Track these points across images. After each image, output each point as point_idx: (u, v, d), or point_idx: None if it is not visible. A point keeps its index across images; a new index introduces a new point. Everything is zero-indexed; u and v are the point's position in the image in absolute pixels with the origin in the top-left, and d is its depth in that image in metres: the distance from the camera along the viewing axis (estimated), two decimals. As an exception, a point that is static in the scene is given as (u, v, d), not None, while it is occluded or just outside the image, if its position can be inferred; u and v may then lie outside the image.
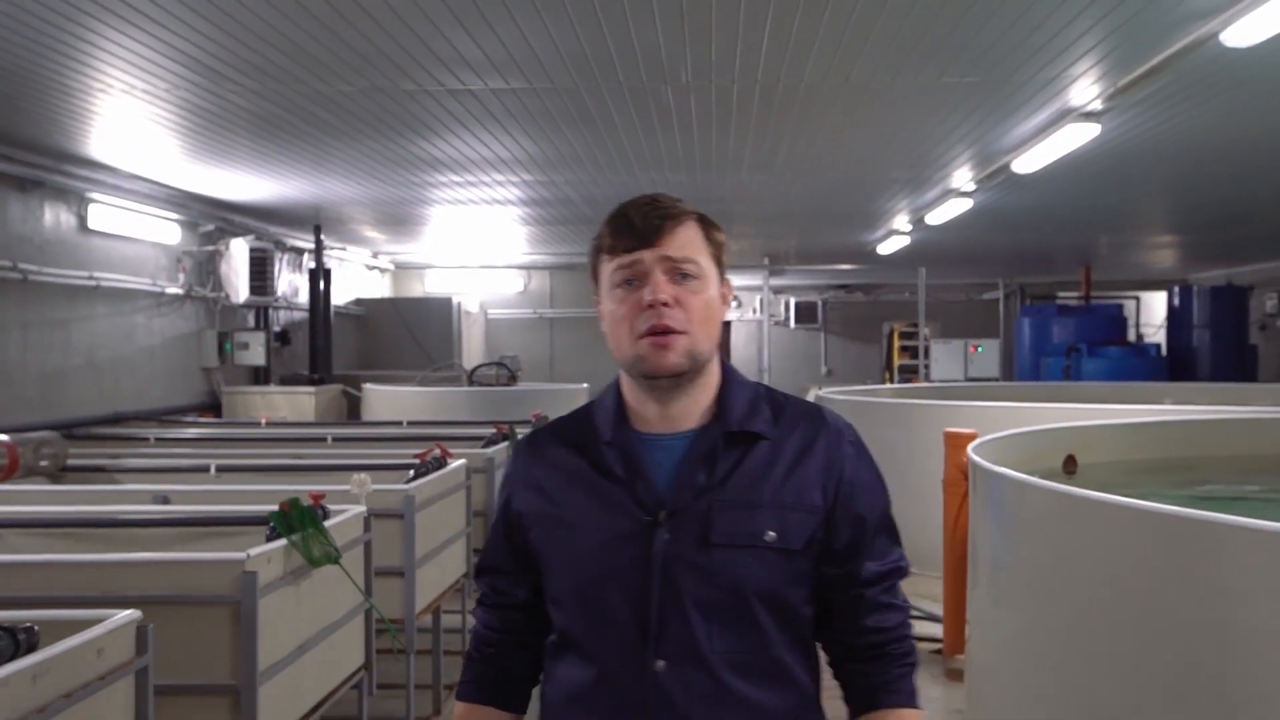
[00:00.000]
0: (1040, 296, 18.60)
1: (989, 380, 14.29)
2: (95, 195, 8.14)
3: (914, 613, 6.42)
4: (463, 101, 5.94)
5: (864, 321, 19.67)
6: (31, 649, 2.07)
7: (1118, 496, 3.24)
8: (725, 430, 1.60)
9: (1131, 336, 17.12)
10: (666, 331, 1.54)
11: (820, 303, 19.51)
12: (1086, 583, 3.22)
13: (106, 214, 8.34)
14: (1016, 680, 3.76)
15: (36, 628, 2.09)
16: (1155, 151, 7.25)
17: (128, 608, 2.39)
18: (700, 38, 4.78)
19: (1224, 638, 2.58)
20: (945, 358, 14.94)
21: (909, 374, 17.37)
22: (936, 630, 6.12)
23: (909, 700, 1.63)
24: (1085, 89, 5.71)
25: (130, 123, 6.61)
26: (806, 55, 5.05)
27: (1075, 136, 6.34)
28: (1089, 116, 6.03)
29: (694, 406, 1.61)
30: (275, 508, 3.31)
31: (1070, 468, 5.69)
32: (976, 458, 4.28)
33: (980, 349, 15.00)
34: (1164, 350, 15.69)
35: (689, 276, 1.56)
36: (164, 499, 4.37)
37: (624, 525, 1.56)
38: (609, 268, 1.59)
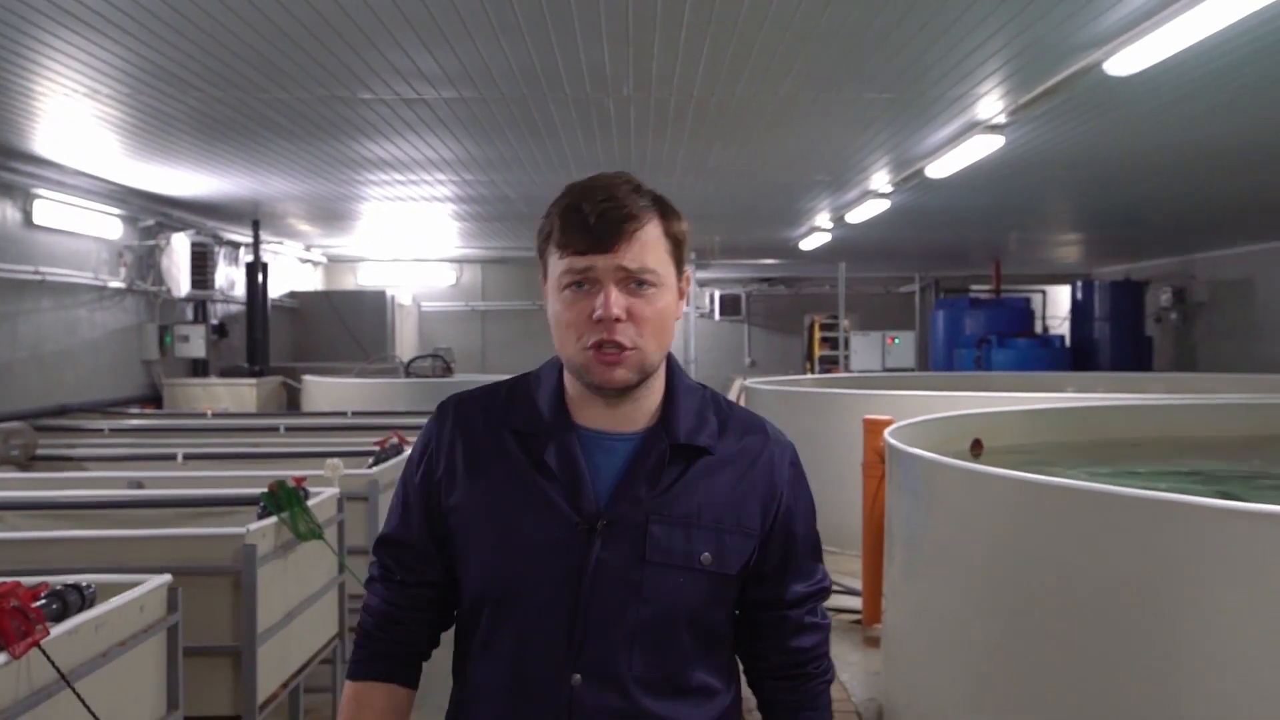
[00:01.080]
0: (954, 290, 19.38)
1: (905, 370, 14.95)
2: (40, 191, 8.26)
3: (835, 587, 6.94)
4: (415, 109, 6.27)
5: (786, 314, 20.27)
6: (91, 604, 2.41)
7: (1013, 471, 3.73)
8: (672, 441, 1.53)
9: (1039, 328, 17.98)
10: (616, 347, 1.45)
11: (744, 295, 20.08)
12: (987, 550, 3.71)
13: (51, 209, 8.46)
14: (926, 641, 4.24)
15: (93, 587, 2.43)
16: (1053, 160, 7.87)
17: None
18: (643, 56, 5.20)
19: (1103, 592, 3.09)
20: (864, 349, 15.57)
21: (829, 364, 18.02)
22: (856, 603, 6.62)
23: (826, 716, 1.65)
24: (990, 105, 6.26)
25: (75, 121, 6.75)
26: (739, 74, 5.50)
27: (982, 146, 6.91)
28: (994, 129, 6.59)
29: (639, 410, 1.54)
30: (264, 489, 3.66)
31: (977, 450, 6.21)
32: (892, 441, 4.76)
33: (897, 340, 15.67)
34: (1068, 341, 16.54)
35: (645, 284, 1.46)
36: (138, 484, 4.65)
37: (558, 530, 1.49)
38: (558, 266, 1.47)
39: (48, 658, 2.06)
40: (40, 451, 5.43)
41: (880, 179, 9.01)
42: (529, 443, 1.52)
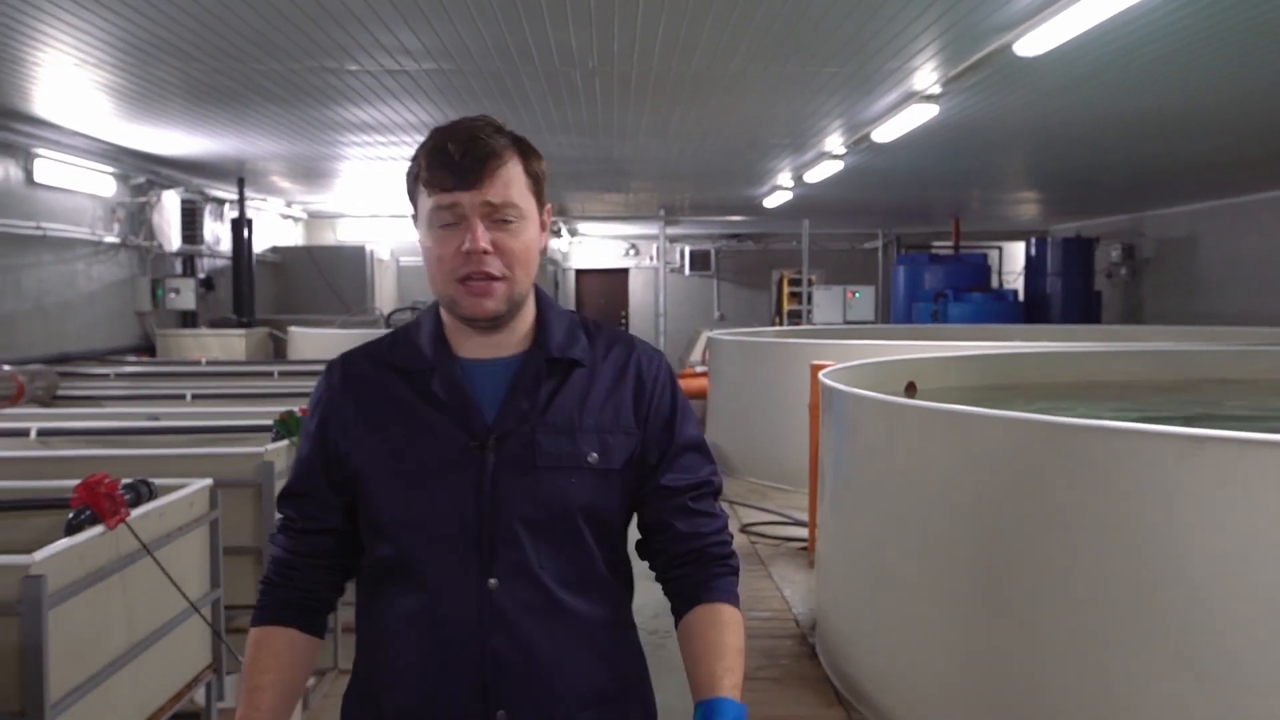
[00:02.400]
0: (916, 246, 20.03)
1: (865, 323, 15.59)
2: (40, 150, 8.74)
3: (785, 519, 7.62)
4: (398, 79, 6.81)
5: (754, 269, 20.88)
6: (155, 497, 3.02)
7: (926, 401, 4.38)
8: (547, 357, 1.63)
9: (995, 284, 18.68)
10: (485, 278, 1.55)
11: (713, 251, 20.66)
12: (902, 473, 4.34)
13: (50, 168, 8.95)
14: (845, 558, 4.89)
15: (155, 483, 3.04)
16: (989, 127, 8.51)
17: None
18: (605, 35, 5.77)
19: (998, 514, 3.75)
20: (826, 303, 16.19)
21: (797, 318, 18.68)
22: (804, 533, 7.32)
23: (726, 597, 1.67)
24: (925, 77, 6.86)
25: (73, 85, 7.19)
26: (693, 50, 6.08)
27: (920, 115, 7.53)
28: (929, 99, 7.20)
29: (513, 334, 1.64)
30: (276, 418, 4.26)
31: (910, 392, 6.85)
32: (823, 379, 5.40)
33: (858, 295, 16.30)
34: (1021, 295, 17.25)
35: (509, 219, 1.55)
36: (155, 419, 5.24)
37: (452, 451, 1.57)
38: (426, 204, 1.56)
39: (132, 531, 2.67)
40: (60, 393, 5.99)
41: (834, 141, 9.60)
42: (415, 380, 1.61)
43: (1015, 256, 19.50)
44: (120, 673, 2.72)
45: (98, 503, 2.58)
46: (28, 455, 4.08)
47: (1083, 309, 16.47)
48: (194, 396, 6.00)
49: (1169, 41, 5.91)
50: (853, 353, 8.13)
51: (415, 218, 1.61)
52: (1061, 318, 16.25)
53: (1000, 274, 19.61)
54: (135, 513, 2.78)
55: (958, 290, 16.30)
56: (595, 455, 1.61)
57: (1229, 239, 14.69)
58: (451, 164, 1.52)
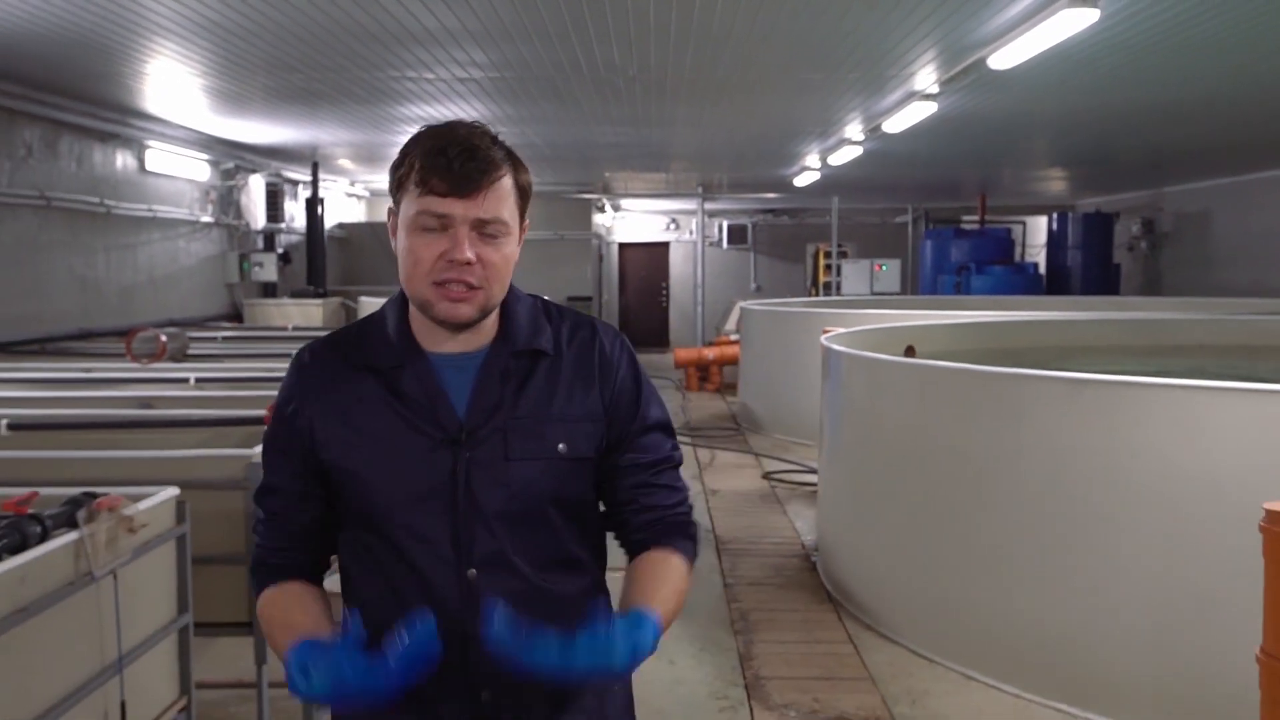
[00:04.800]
0: (944, 220, 20.78)
1: (890, 294, 16.48)
2: (150, 142, 9.98)
3: (801, 468, 8.76)
4: (466, 85, 7.94)
5: (789, 242, 21.75)
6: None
7: (903, 358, 5.44)
8: (512, 350, 1.65)
9: (1019, 257, 19.45)
10: (464, 286, 1.56)
11: (750, 225, 21.58)
12: (886, 422, 5.37)
13: (158, 157, 10.20)
14: (839, 493, 5.93)
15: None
16: (980, 119, 9.52)
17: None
18: (642, 50, 6.84)
19: (936, 446, 4.83)
20: (854, 275, 17.06)
21: (830, 290, 19.60)
22: (815, 479, 8.38)
23: (680, 549, 1.70)
24: (923, 79, 7.84)
25: (179, 86, 8.32)
26: (718, 62, 7.13)
27: (921, 110, 8.53)
28: (929, 97, 8.19)
29: (481, 330, 1.64)
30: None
31: (910, 355, 7.86)
32: (824, 341, 6.45)
33: (884, 268, 17.15)
34: (1042, 268, 18.04)
35: (494, 234, 1.57)
36: (148, 404, 6.20)
37: (425, 447, 1.59)
38: (415, 202, 1.55)
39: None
40: (188, 351, 7.19)
41: (853, 130, 10.60)
42: (385, 375, 1.62)
43: (1039, 231, 20.22)
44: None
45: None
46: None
47: (1102, 281, 17.16)
48: (299, 355, 7.19)
49: (1122, 54, 6.88)
50: (866, 321, 9.14)
51: (390, 211, 1.63)
52: (1081, 289, 16.92)
53: (1024, 247, 20.36)
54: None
55: (980, 263, 17.10)
56: (564, 445, 1.64)
57: (1241, 214, 15.39)
58: (448, 172, 1.53)
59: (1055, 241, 17.95)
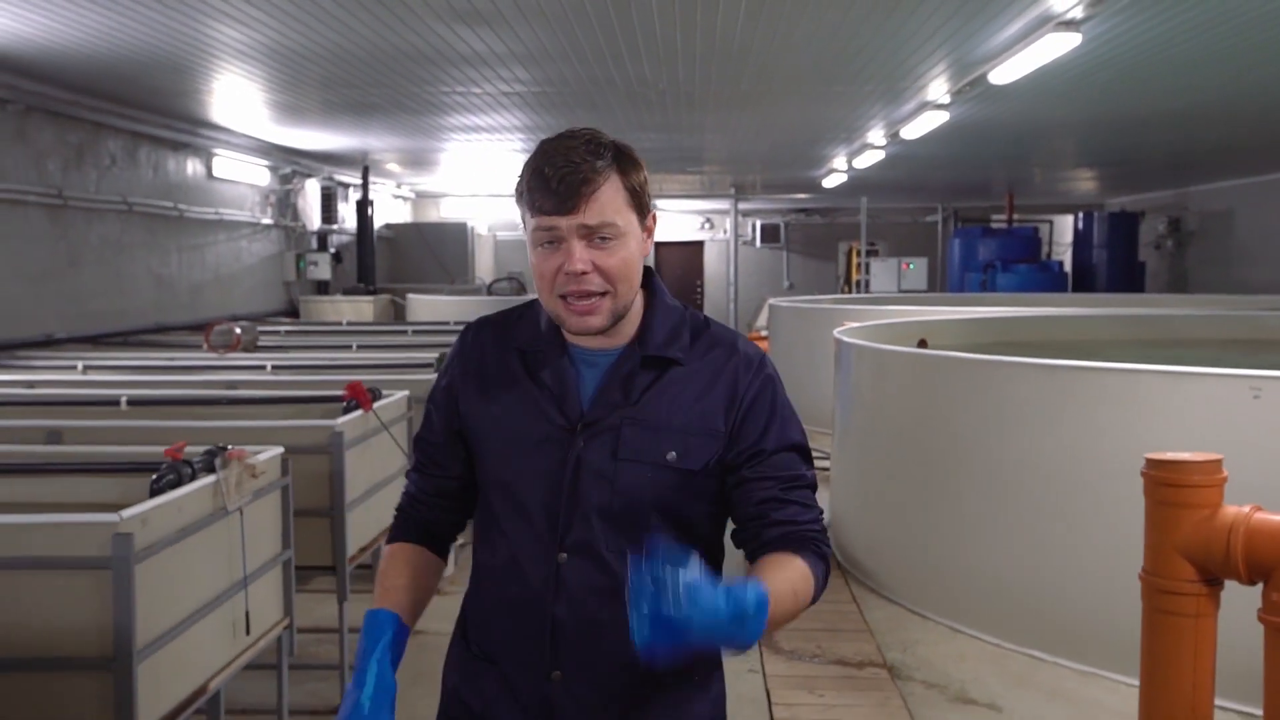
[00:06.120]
0: (974, 219, 21.18)
1: (916, 291, 16.95)
2: (217, 150, 10.76)
3: (823, 454, 9.29)
4: (509, 97, 8.62)
5: (821, 241, 22.21)
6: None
7: (898, 346, 6.03)
8: (644, 354, 1.68)
9: (1045, 255, 19.82)
10: (586, 296, 1.60)
11: (783, 224, 22.08)
12: (890, 408, 5.97)
13: (224, 164, 10.99)
14: (848, 471, 6.50)
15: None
16: (996, 126, 10.08)
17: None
18: (670, 68, 7.48)
19: (953, 438, 5.40)
20: (882, 273, 17.55)
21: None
22: (828, 464, 8.91)
23: (808, 559, 1.63)
24: (937, 88, 8.40)
25: (242, 99, 9.03)
26: (740, 77, 7.73)
27: (935, 119, 9.09)
28: (940, 107, 8.76)
29: (621, 330, 1.69)
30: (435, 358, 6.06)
31: (922, 348, 8.39)
32: (836, 334, 7.02)
33: (912, 266, 17.63)
34: (1067, 266, 18.41)
35: (606, 239, 1.59)
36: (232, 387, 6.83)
37: (546, 430, 1.66)
38: (530, 221, 1.61)
39: (379, 418, 4.42)
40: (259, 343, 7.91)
41: (875, 135, 11.16)
42: (529, 359, 1.71)
43: (1066, 229, 20.56)
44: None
45: (360, 393, 4.34)
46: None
47: (1127, 279, 17.52)
48: (358, 347, 7.88)
49: (1112, 70, 7.41)
50: (885, 316, 9.66)
51: (523, 228, 1.68)
52: (1107, 287, 17.29)
53: (1051, 246, 20.72)
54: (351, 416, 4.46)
55: (1006, 261, 17.52)
56: (674, 454, 1.65)
57: (1265, 213, 15.69)
58: (549, 189, 1.57)
59: (1081, 240, 18.32)
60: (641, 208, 1.66)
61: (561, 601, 1.64)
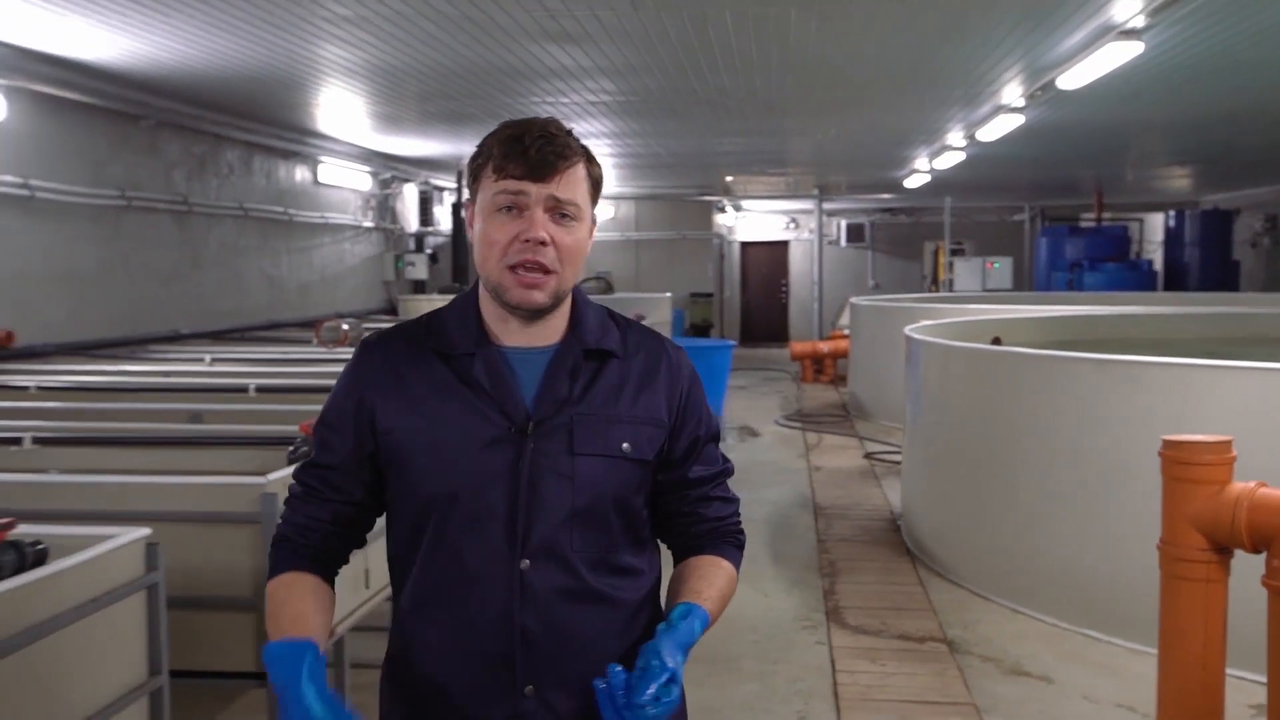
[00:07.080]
0: (1061, 218, 20.98)
1: (1001, 290, 16.92)
2: (323, 158, 11.46)
3: (898, 449, 9.65)
4: (596, 106, 9.08)
5: (907, 240, 22.26)
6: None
7: (965, 343, 6.31)
8: (583, 347, 1.66)
9: (1135, 254, 19.57)
10: (538, 269, 1.57)
11: (867, 224, 22.19)
12: (937, 393, 6.28)
13: (329, 170, 11.69)
14: (917, 464, 6.79)
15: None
16: (1076, 127, 10.20)
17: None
18: (748, 79, 7.85)
19: (1013, 429, 5.68)
20: (966, 273, 17.53)
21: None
22: (899, 456, 9.19)
23: (730, 556, 1.76)
24: (1011, 92, 8.61)
25: (347, 109, 9.63)
26: (812, 89, 8.07)
27: (1010, 121, 9.29)
28: (1014, 110, 8.97)
29: (551, 326, 1.66)
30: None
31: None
32: (905, 330, 7.31)
33: (996, 265, 17.57)
34: (1158, 265, 18.19)
35: (568, 217, 1.59)
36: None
37: (493, 434, 1.60)
38: (492, 187, 1.58)
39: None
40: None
41: (954, 137, 11.36)
42: (454, 363, 1.63)
43: (1156, 228, 20.28)
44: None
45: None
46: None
47: (1220, 278, 17.26)
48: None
49: (1183, 74, 7.55)
50: (964, 315, 9.88)
51: (468, 203, 1.66)
52: (1199, 286, 17.05)
53: (1141, 244, 20.45)
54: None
55: (1093, 260, 17.40)
56: (628, 445, 1.65)
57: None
58: (525, 155, 1.56)
59: (1172, 238, 18.10)
60: (595, 202, 1.69)
61: (529, 610, 1.60)
